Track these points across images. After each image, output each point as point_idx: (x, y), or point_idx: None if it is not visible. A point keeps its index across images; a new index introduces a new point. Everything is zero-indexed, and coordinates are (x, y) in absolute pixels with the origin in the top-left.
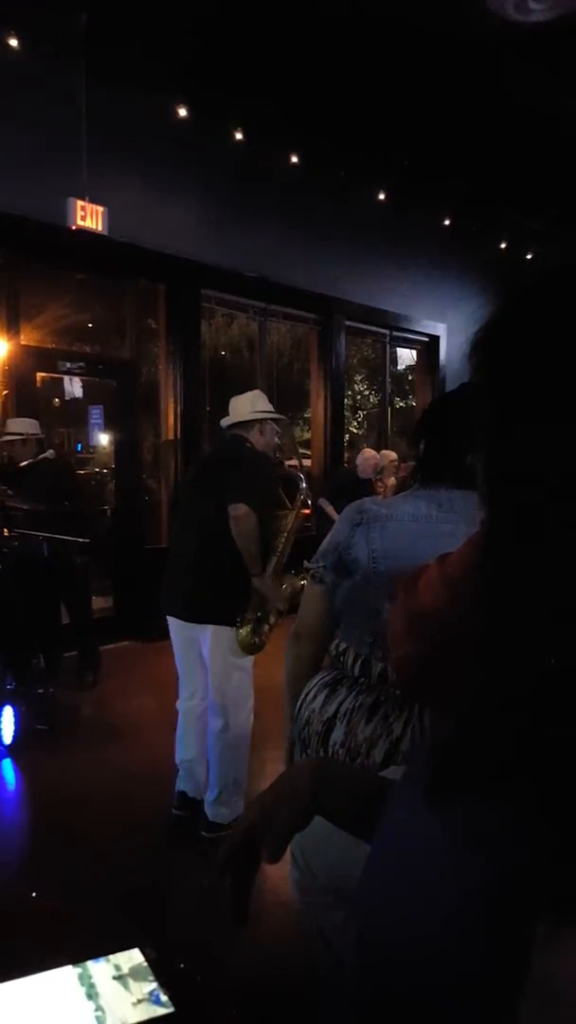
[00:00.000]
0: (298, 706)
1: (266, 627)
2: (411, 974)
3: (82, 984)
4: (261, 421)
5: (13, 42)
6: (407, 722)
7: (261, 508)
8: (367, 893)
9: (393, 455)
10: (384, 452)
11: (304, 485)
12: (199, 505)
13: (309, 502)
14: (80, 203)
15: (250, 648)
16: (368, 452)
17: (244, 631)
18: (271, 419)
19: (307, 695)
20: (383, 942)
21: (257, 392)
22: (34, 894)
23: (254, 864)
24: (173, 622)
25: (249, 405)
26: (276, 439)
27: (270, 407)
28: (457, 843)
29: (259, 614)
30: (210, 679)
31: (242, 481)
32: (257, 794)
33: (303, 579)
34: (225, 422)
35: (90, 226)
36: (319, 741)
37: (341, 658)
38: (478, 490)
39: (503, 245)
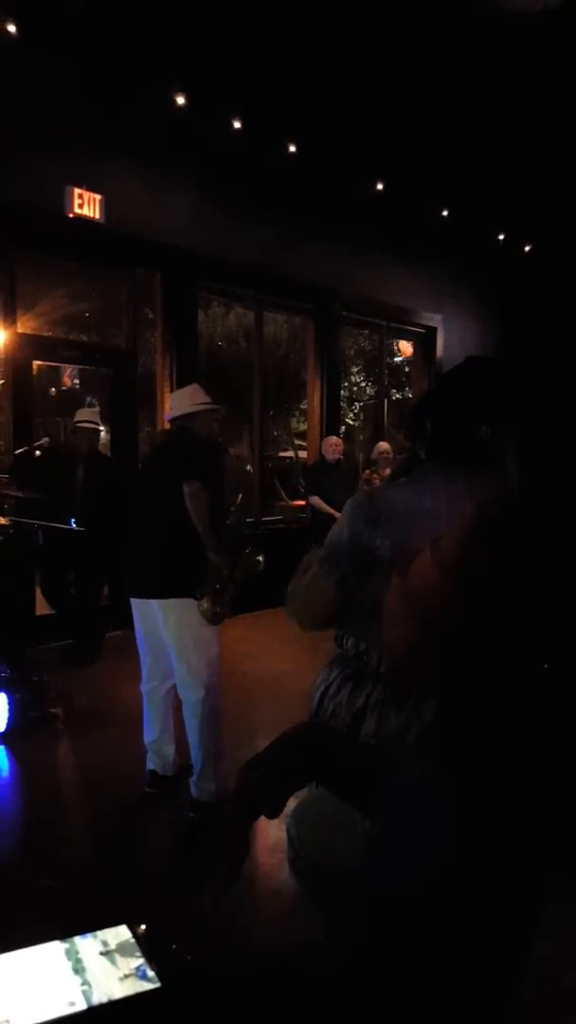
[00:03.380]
0: (317, 699)
1: (226, 597)
2: (422, 934)
3: (69, 959)
4: (201, 412)
5: (11, 28)
6: (437, 708)
7: (210, 486)
8: (376, 858)
9: (386, 446)
10: (378, 444)
11: (249, 468)
12: (154, 490)
13: (301, 493)
14: (77, 191)
15: (212, 618)
16: (332, 439)
17: (204, 602)
18: (209, 409)
19: (328, 688)
20: (392, 905)
21: (195, 387)
22: (43, 881)
23: (249, 822)
24: (137, 604)
25: (189, 399)
26: (215, 426)
27: (208, 399)
28: (467, 802)
29: (216, 586)
30: (177, 653)
31: (192, 462)
32: (253, 755)
33: (258, 556)
34: (168, 416)
35: (87, 214)
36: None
37: (364, 656)
38: (503, 460)
39: (501, 237)
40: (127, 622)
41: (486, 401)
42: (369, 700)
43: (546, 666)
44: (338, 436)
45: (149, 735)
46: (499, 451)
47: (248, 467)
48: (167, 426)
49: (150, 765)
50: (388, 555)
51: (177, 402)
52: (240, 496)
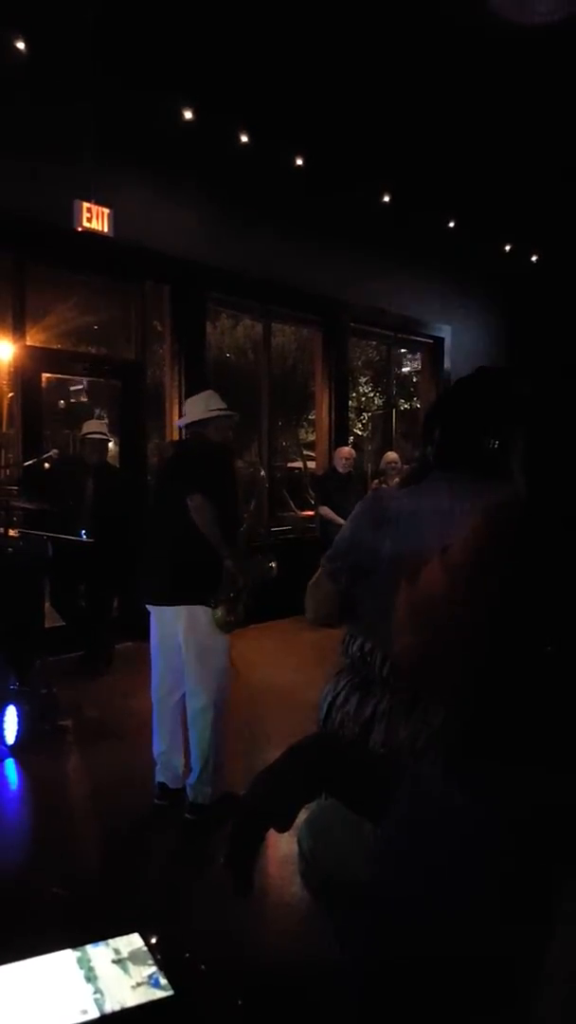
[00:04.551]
0: (325, 709)
1: (240, 606)
2: (431, 933)
3: (81, 967)
4: (215, 418)
5: (20, 44)
6: (446, 714)
7: (218, 495)
8: (384, 866)
9: (394, 456)
10: (386, 454)
11: (263, 474)
12: (168, 499)
13: (312, 503)
14: (86, 205)
15: (225, 626)
16: (344, 450)
17: (219, 610)
18: (223, 416)
19: (336, 698)
20: (400, 914)
21: (210, 392)
22: (55, 889)
23: (260, 834)
24: (153, 611)
25: (203, 405)
26: (230, 433)
27: (223, 405)
28: (477, 803)
29: (231, 594)
30: (188, 661)
31: (198, 474)
32: (264, 767)
33: (271, 562)
34: (181, 422)
35: (96, 228)
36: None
37: (368, 659)
38: (512, 467)
39: (508, 247)
40: (137, 634)
41: (494, 412)
42: (377, 710)
43: (549, 649)
44: (348, 447)
45: (158, 747)
46: (506, 460)
47: (262, 473)
48: (175, 434)
49: (159, 777)
50: (388, 557)
51: (191, 408)
52: (253, 504)
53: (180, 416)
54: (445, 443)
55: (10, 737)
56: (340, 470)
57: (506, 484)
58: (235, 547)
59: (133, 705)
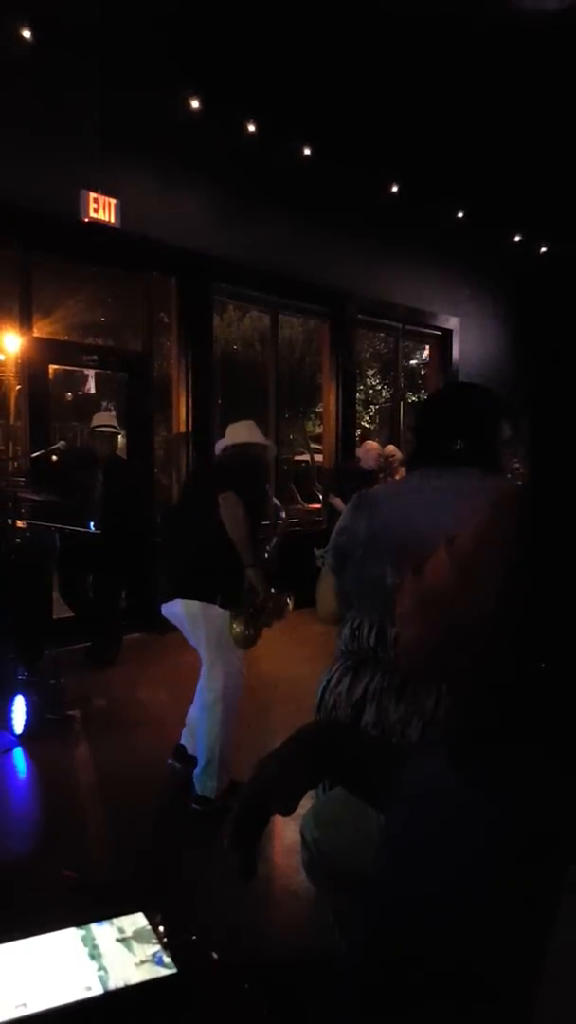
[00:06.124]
0: (320, 693)
1: (259, 623)
2: (434, 932)
3: (86, 945)
4: (256, 446)
5: (27, 34)
6: (439, 699)
7: (249, 497)
8: (388, 857)
9: (393, 448)
10: (386, 447)
11: (283, 515)
12: (194, 502)
13: (318, 505)
14: (93, 195)
15: (243, 641)
16: (369, 444)
17: (238, 624)
18: (264, 444)
19: (329, 681)
20: (406, 901)
21: (252, 423)
22: (63, 872)
23: (264, 818)
24: (170, 616)
25: (246, 433)
26: (268, 459)
27: (263, 437)
28: (480, 796)
29: (252, 608)
30: (203, 657)
31: (232, 474)
32: (267, 753)
33: (288, 597)
34: (220, 444)
35: (103, 218)
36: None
37: (357, 633)
38: (523, 455)
39: (517, 238)
40: (146, 625)
41: (460, 421)
42: (368, 690)
43: (543, 665)
44: (355, 439)
45: (191, 710)
46: (466, 458)
47: (282, 514)
48: (182, 426)
49: (182, 740)
50: (363, 535)
51: (233, 432)
52: (283, 519)
53: (219, 438)
54: (419, 448)
55: (19, 726)
56: (369, 465)
57: (469, 472)
58: (256, 556)
59: (140, 696)
